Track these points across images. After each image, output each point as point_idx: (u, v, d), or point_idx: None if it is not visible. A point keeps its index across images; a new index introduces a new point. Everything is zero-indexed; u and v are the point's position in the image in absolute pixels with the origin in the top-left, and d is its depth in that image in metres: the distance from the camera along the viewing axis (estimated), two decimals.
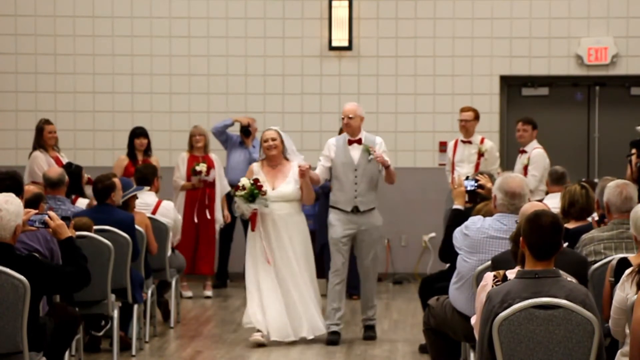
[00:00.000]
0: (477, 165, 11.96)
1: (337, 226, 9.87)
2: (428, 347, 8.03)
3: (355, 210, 9.83)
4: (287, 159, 9.82)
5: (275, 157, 9.77)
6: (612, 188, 7.20)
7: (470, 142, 12.05)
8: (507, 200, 7.29)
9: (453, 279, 7.47)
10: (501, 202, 7.33)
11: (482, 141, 12.04)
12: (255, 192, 9.50)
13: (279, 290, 9.65)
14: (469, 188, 8.36)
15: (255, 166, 9.90)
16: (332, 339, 9.76)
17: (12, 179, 7.38)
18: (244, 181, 9.56)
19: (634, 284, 5.69)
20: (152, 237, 9.72)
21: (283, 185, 9.70)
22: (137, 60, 13.73)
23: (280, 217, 9.69)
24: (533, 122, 12.03)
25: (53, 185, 9.38)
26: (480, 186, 8.45)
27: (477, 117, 12.11)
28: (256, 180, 9.56)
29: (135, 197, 9.70)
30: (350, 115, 9.88)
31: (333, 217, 9.92)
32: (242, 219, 10.65)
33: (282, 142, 9.80)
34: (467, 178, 8.55)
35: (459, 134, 12.30)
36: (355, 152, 9.88)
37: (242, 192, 9.51)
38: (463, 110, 12.19)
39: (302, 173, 9.68)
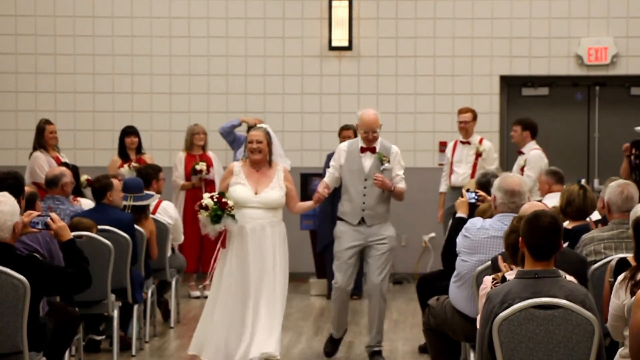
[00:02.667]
0: (475, 165, 11.98)
1: (342, 238, 9.05)
2: (428, 347, 8.04)
3: (362, 222, 9.00)
4: (271, 163, 8.82)
5: (258, 160, 8.74)
6: (613, 188, 7.22)
7: (469, 143, 12.07)
8: (506, 198, 7.30)
9: (453, 279, 7.48)
10: (501, 202, 7.33)
11: (480, 141, 12.05)
12: (219, 213, 8.47)
13: (248, 309, 8.59)
14: (470, 201, 8.33)
15: (236, 166, 8.82)
16: (329, 350, 9.28)
17: (14, 179, 7.39)
18: (207, 200, 8.51)
19: (628, 291, 5.68)
20: (154, 244, 9.72)
21: (267, 191, 8.68)
22: (137, 60, 13.73)
23: (262, 227, 8.65)
24: (523, 123, 11.90)
25: (49, 184, 9.39)
26: (481, 200, 8.39)
27: (475, 117, 12.13)
28: (219, 198, 8.51)
29: (147, 205, 9.78)
30: (375, 130, 8.98)
31: (339, 228, 9.10)
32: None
33: (268, 144, 8.76)
34: (468, 190, 8.50)
35: (459, 134, 12.30)
36: (368, 160, 9.01)
37: (205, 213, 8.49)
38: (461, 111, 12.19)
39: (319, 199, 8.90)
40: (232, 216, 8.48)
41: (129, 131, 12.38)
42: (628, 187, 7.22)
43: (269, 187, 8.70)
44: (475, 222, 7.38)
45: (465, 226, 7.41)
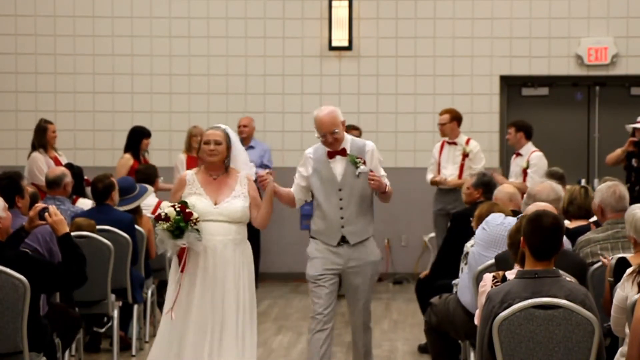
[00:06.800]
0: (462, 166, 11.98)
1: (317, 259, 7.59)
2: (429, 347, 8.07)
3: (343, 241, 7.55)
4: (229, 169, 7.38)
5: (215, 165, 7.30)
6: (604, 189, 7.33)
7: (455, 144, 12.06)
8: (530, 202, 7.45)
9: (465, 271, 7.46)
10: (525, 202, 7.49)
11: (467, 142, 12.04)
12: (182, 225, 7.04)
13: (204, 346, 7.11)
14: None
15: (189, 174, 7.38)
16: None
17: (9, 179, 7.38)
18: (167, 209, 7.07)
19: (634, 285, 5.72)
20: (152, 242, 9.71)
21: (229, 201, 7.25)
22: (137, 60, 13.73)
23: (224, 245, 7.19)
24: (517, 124, 11.97)
25: (51, 185, 9.39)
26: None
27: (455, 118, 12.05)
28: (183, 207, 7.08)
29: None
30: (334, 130, 7.46)
31: (313, 247, 7.65)
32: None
33: (228, 147, 7.34)
34: None
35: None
36: (339, 165, 7.54)
37: (166, 225, 7.04)
38: (440, 113, 12.20)
39: (264, 182, 7.32)
40: (197, 231, 7.07)
41: (147, 133, 12.22)
42: (618, 187, 7.34)
43: (231, 196, 7.29)
44: (497, 217, 7.40)
45: (486, 219, 7.40)
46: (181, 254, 7.15)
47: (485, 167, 11.94)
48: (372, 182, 7.37)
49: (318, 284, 7.54)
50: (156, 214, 7.13)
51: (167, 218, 7.01)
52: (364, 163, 7.48)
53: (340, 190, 7.50)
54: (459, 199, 11.87)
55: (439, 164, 12.10)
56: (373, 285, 7.68)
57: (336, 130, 7.44)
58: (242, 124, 13.01)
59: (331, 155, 7.52)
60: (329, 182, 7.51)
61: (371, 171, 7.43)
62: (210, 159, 7.29)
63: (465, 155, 11.98)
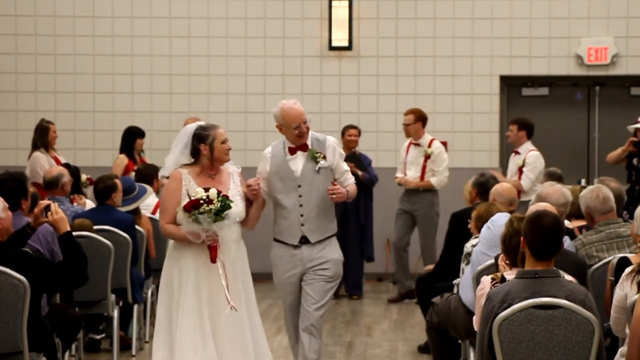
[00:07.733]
0: (424, 167, 11.94)
1: (277, 267, 7.36)
2: (430, 346, 8.09)
3: (304, 241, 7.26)
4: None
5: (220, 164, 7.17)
6: (587, 194, 7.40)
7: (419, 145, 12.02)
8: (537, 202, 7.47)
9: (468, 270, 7.47)
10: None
11: (430, 143, 11.98)
12: (228, 202, 6.81)
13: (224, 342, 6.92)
14: None
15: (185, 174, 7.05)
16: None
17: (14, 180, 7.36)
18: (207, 193, 6.81)
19: (634, 284, 5.72)
20: (152, 243, 9.72)
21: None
22: (137, 60, 13.73)
23: (227, 246, 6.97)
24: (519, 122, 11.96)
25: (49, 185, 9.38)
26: None
27: (419, 118, 11.98)
28: (218, 189, 6.90)
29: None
30: (306, 119, 7.37)
31: (274, 252, 7.39)
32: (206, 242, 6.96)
33: None
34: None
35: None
36: (299, 162, 7.28)
37: (210, 207, 6.75)
38: (405, 113, 12.15)
39: (255, 194, 7.13)
40: (229, 214, 6.87)
41: (141, 134, 12.24)
42: (601, 189, 7.39)
43: (230, 196, 6.95)
44: (502, 216, 7.40)
45: (492, 218, 7.40)
46: (215, 242, 6.87)
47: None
48: (334, 196, 7.13)
49: (283, 294, 7.41)
50: (189, 203, 6.79)
51: (208, 200, 6.74)
52: (324, 158, 7.26)
53: (299, 186, 7.24)
54: (421, 201, 11.90)
55: (404, 164, 12.08)
56: (332, 289, 7.30)
57: (308, 120, 7.35)
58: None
59: (293, 151, 7.32)
60: (288, 179, 7.25)
61: (334, 182, 7.21)
62: (228, 157, 7.11)
63: (427, 156, 11.93)
